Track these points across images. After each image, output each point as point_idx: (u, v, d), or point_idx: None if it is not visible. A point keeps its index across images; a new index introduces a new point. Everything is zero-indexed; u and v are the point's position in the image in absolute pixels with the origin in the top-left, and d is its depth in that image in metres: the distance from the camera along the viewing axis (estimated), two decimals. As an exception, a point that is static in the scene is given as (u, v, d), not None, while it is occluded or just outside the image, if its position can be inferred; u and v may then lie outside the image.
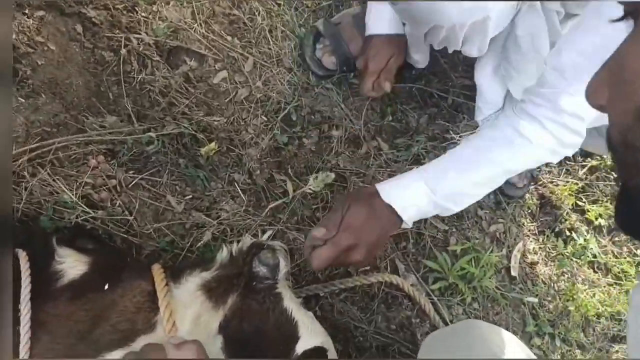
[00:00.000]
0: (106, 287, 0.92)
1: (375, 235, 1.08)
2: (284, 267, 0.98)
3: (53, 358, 0.86)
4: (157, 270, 0.97)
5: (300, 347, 0.94)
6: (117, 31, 1.49)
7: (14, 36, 1.34)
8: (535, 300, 1.61)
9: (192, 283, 0.96)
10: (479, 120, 1.58)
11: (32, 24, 1.37)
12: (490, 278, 1.56)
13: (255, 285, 0.96)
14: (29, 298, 0.87)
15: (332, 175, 1.43)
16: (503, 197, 1.73)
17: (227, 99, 1.56)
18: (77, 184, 1.24)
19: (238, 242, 1.08)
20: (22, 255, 0.93)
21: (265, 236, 1.06)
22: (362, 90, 1.58)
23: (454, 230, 1.61)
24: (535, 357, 0.99)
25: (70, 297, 0.91)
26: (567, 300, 1.64)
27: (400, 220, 1.12)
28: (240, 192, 1.44)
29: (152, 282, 0.93)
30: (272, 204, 1.41)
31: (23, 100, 1.32)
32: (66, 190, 1.21)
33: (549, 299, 1.65)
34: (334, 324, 1.40)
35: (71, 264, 0.95)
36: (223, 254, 1.00)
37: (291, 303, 0.99)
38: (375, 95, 1.58)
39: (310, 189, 1.45)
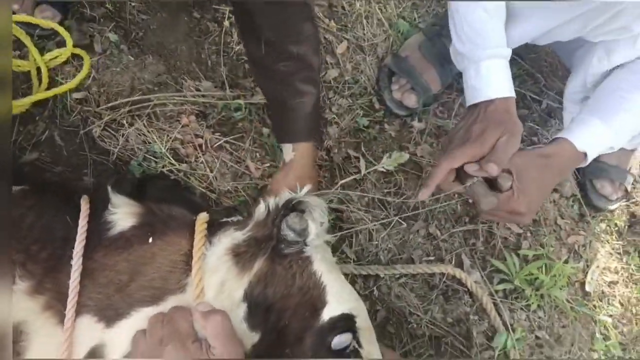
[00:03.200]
0: (150, 240, 0.92)
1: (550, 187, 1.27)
2: (313, 230, 0.90)
3: (92, 306, 0.87)
4: (199, 226, 0.93)
5: (327, 314, 0.86)
6: (223, 4, 1.59)
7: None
8: (609, 320, 1.52)
9: (223, 245, 0.92)
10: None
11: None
12: (561, 289, 1.49)
13: (283, 248, 0.90)
14: (83, 247, 0.88)
15: (406, 156, 1.40)
16: (589, 208, 1.65)
17: (316, 78, 1.62)
18: (168, 137, 1.35)
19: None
20: (84, 203, 0.94)
21: (303, 191, 0.94)
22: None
23: (528, 234, 1.56)
24: None
25: (117, 248, 0.91)
26: (644, 326, 1.54)
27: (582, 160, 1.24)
28: (317, 167, 1.49)
29: (191, 240, 0.91)
30: (343, 180, 1.45)
31: (132, 59, 1.45)
32: (157, 141, 1.32)
33: (624, 321, 1.55)
34: (389, 307, 1.41)
35: (122, 216, 0.95)
36: (260, 210, 0.93)
37: (322, 266, 0.91)
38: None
39: (383, 167, 1.46)
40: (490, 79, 1.24)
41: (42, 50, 1.34)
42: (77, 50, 1.36)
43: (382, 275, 1.41)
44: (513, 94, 1.25)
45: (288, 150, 1.32)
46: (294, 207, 0.91)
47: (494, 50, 1.26)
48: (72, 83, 1.31)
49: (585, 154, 1.22)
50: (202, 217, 0.95)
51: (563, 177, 1.27)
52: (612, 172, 1.65)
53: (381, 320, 1.39)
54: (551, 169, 1.20)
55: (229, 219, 0.98)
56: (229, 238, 0.92)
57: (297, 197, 0.91)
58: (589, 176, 1.67)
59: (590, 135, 1.23)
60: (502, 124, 1.19)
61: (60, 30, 1.34)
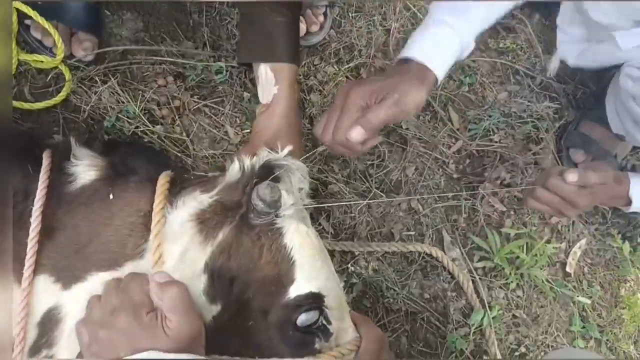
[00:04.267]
0: (111, 196, 0.86)
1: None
2: (287, 201, 0.83)
3: (50, 265, 0.82)
4: (161, 186, 0.86)
5: (294, 291, 0.80)
6: (207, -38, 1.52)
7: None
8: (588, 301, 1.51)
9: (186, 208, 0.85)
10: None
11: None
12: (541, 268, 1.48)
13: (252, 218, 0.82)
14: (43, 202, 0.83)
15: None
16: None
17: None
18: (142, 97, 1.30)
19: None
20: (46, 157, 0.88)
21: (284, 152, 0.88)
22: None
23: (511, 213, 1.53)
24: None
25: (78, 204, 0.86)
26: (623, 309, 1.53)
27: None
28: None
29: (152, 200, 0.85)
30: (320, 148, 1.40)
31: (109, 13, 1.39)
32: (131, 101, 1.27)
33: (604, 303, 1.54)
34: (366, 281, 1.39)
35: (84, 168, 0.89)
36: (234, 170, 0.86)
37: (294, 239, 0.84)
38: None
39: None
40: (425, 39, 1.04)
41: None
42: (63, 68, 1.26)
43: (356, 253, 1.38)
44: (438, 74, 1.02)
45: (270, 86, 1.18)
46: (270, 171, 0.84)
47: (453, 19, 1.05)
48: (53, 101, 1.24)
49: (630, 200, 1.25)
50: (164, 176, 0.88)
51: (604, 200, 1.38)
52: (589, 145, 1.61)
53: (357, 293, 1.37)
54: (610, 190, 1.22)
55: (192, 176, 0.91)
56: (195, 202, 0.85)
57: (275, 160, 0.85)
58: (567, 144, 1.64)
59: None
60: (399, 84, 0.97)
61: (57, 37, 1.21)
